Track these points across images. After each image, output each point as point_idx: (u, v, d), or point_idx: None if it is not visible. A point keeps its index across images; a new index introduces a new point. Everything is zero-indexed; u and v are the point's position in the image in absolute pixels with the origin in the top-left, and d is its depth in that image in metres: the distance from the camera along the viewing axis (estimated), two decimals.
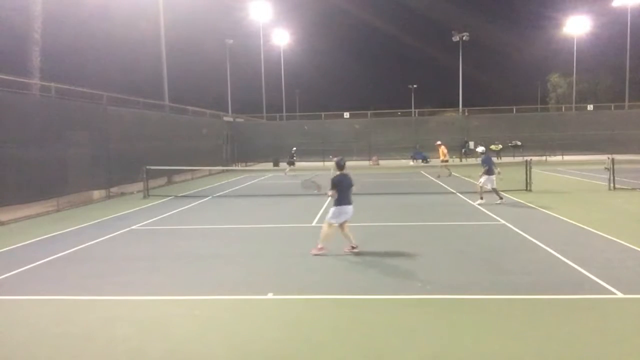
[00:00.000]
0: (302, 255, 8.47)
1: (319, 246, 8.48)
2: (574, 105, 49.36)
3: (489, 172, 13.82)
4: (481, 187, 13.97)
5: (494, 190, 13.91)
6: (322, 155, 35.17)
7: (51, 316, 5.84)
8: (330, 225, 8.42)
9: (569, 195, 15.73)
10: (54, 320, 5.70)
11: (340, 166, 8.54)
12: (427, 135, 37.07)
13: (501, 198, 13.88)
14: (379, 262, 7.86)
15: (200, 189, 19.88)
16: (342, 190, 8.34)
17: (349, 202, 8.39)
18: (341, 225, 8.48)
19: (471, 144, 35.20)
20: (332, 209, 8.41)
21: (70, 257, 8.69)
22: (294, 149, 28.03)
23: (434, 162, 30.06)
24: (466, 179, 21.55)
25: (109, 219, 12.63)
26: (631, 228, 10.26)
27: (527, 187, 16.49)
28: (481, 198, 13.96)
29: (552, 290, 6.30)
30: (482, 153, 14.66)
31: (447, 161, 24.32)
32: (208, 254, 8.82)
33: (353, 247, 8.45)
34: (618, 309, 5.71)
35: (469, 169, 26.17)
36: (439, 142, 24.91)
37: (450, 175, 23.33)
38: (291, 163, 26.79)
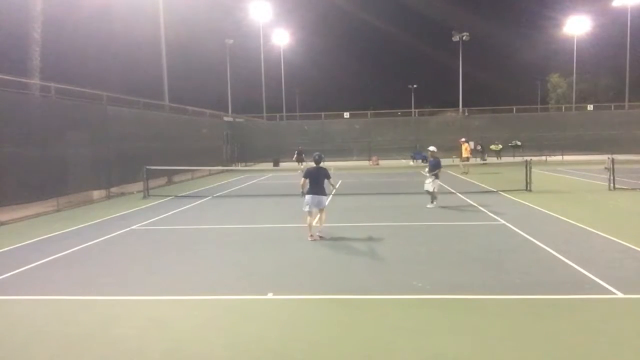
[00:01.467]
0: (302, 256, 8.48)
1: (309, 234, 9.54)
2: (574, 105, 49.37)
3: (437, 175, 13.48)
4: (433, 191, 13.39)
5: (431, 193, 13.41)
6: (322, 155, 35.19)
7: (51, 316, 5.84)
8: (308, 213, 9.57)
9: (569, 195, 15.73)
10: (53, 320, 5.70)
11: (315, 160, 9.92)
12: (427, 135, 37.08)
13: (432, 203, 13.47)
14: (378, 262, 7.86)
15: (200, 189, 19.88)
16: (311, 180, 9.56)
17: (316, 193, 9.51)
18: (320, 211, 9.65)
19: (471, 144, 35.19)
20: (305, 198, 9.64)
21: (70, 257, 8.69)
22: (300, 147, 29.47)
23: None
24: (466, 178, 21.57)
25: (109, 219, 12.63)
26: (631, 228, 10.26)
27: (527, 187, 16.49)
28: (434, 200, 13.50)
29: (552, 290, 6.30)
30: (432, 152, 14.03)
31: (467, 159, 24.65)
32: (208, 253, 8.81)
33: (312, 235, 9.50)
34: (618, 309, 5.71)
35: (469, 169, 26.18)
36: (463, 139, 25.36)
37: (465, 173, 23.76)
38: (301, 160, 28.28)
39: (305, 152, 33.17)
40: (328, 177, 9.77)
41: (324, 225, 9.85)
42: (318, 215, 9.81)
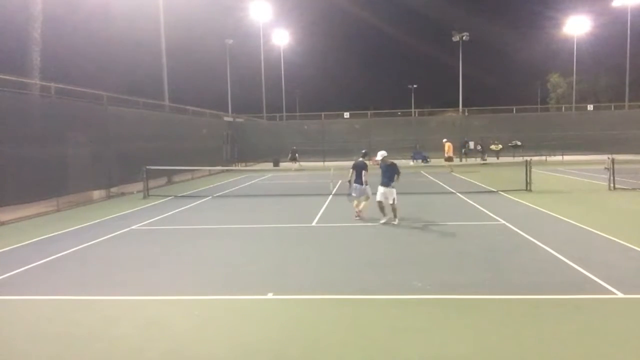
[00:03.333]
0: (302, 256, 8.48)
1: (357, 211, 11.66)
2: (573, 105, 49.35)
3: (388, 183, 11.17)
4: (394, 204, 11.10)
5: (392, 207, 11.10)
6: (322, 155, 35.19)
7: (51, 316, 5.84)
8: (355, 198, 11.64)
9: (569, 195, 15.73)
10: (54, 320, 5.70)
11: (361, 155, 12.03)
12: (427, 135, 37.10)
13: (384, 217, 11.12)
14: (378, 262, 7.86)
15: (200, 189, 19.88)
16: (356, 172, 11.58)
17: (356, 182, 11.50)
18: (363, 197, 11.58)
19: (471, 144, 35.22)
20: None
21: (70, 257, 8.69)
22: (294, 147, 30.93)
23: (435, 161, 30.14)
24: (466, 178, 21.57)
25: (109, 219, 12.63)
26: (631, 228, 10.26)
27: (527, 187, 16.48)
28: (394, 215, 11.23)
29: (552, 290, 6.30)
30: (384, 158, 11.31)
31: (450, 159, 25.00)
32: (208, 254, 8.82)
33: (358, 213, 11.67)
34: (618, 309, 5.71)
35: (469, 168, 26.20)
36: (445, 140, 25.87)
37: (450, 171, 24.18)
38: (295, 159, 29.84)
39: (303, 151, 33.41)
40: (365, 169, 11.52)
41: (364, 210, 11.76)
42: (363, 202, 11.67)
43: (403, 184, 20.44)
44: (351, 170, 11.73)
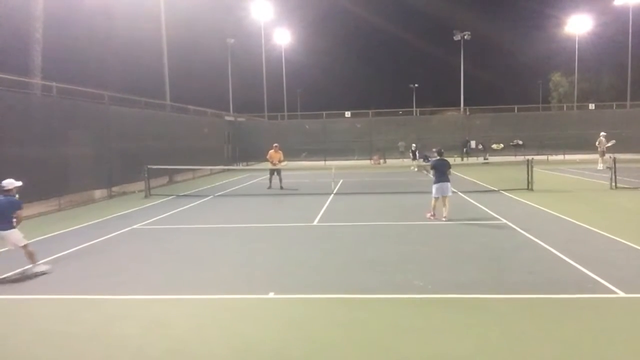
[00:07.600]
0: (303, 255, 8.48)
1: (430, 213, 11.22)
2: (575, 104, 49.24)
3: None
4: None
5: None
6: (324, 154, 35.16)
7: (52, 315, 5.85)
8: (435, 199, 11.18)
9: (570, 194, 15.70)
10: (55, 320, 5.71)
11: (439, 153, 11.57)
12: (428, 134, 37.03)
13: None
14: (379, 262, 7.85)
15: (201, 189, 19.89)
16: (438, 171, 11.16)
17: (443, 180, 11.05)
18: (442, 198, 11.14)
19: (472, 143, 35.18)
20: (433, 186, 11.15)
21: (72, 256, 8.70)
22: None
23: None
24: (467, 178, 21.54)
25: (111, 219, 12.64)
26: (633, 227, 10.22)
27: (528, 186, 16.46)
28: None
29: (554, 289, 6.29)
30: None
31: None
32: (209, 253, 8.82)
33: (444, 217, 11.03)
34: (620, 309, 5.70)
35: (469, 168, 26.17)
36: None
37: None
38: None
39: (306, 151, 33.42)
40: (449, 167, 11.34)
41: (449, 211, 11.24)
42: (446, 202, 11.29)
43: (404, 183, 20.52)
44: (433, 170, 11.45)
